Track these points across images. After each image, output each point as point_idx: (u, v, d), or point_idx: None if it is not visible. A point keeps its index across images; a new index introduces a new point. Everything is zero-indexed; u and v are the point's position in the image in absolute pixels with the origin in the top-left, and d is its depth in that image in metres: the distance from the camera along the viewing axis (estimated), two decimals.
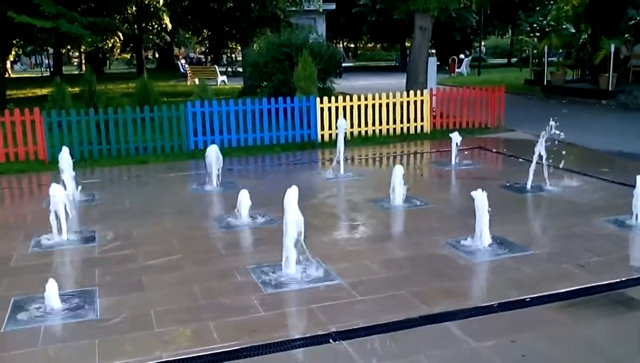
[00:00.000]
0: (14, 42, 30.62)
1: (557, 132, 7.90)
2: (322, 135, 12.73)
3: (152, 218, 7.43)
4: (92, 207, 8.07)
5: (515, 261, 5.63)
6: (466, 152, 11.19)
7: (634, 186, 6.57)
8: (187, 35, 48.12)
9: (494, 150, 11.46)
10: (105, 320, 4.60)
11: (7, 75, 24.94)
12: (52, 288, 4.74)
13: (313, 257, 5.54)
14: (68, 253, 6.20)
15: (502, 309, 4.65)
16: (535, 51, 27.45)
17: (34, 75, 48.74)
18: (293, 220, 5.08)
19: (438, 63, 19.14)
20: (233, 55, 51.69)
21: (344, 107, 12.87)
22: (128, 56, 58.11)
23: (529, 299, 4.77)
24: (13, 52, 46.44)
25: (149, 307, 4.80)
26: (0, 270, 5.75)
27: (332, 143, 12.59)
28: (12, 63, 55.82)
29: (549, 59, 24.77)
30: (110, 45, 50.50)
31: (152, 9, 40.86)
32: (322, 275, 5.34)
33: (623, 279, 5.10)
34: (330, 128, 12.75)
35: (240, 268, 5.58)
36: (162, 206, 8.09)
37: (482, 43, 46.32)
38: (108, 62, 60.53)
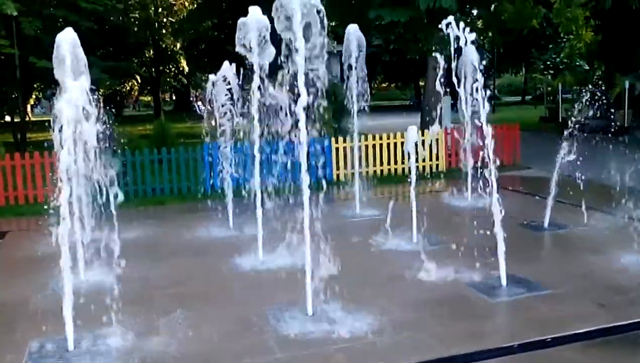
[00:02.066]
0: (35, 86, 31.24)
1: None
2: (338, 175, 12.77)
3: (169, 260, 7.45)
4: (109, 248, 8.09)
5: (534, 300, 5.57)
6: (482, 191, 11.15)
7: None
8: (203, 78, 48.85)
9: (510, 188, 11.40)
10: None
11: (27, 119, 25.39)
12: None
13: (329, 299, 5.52)
14: (85, 295, 6.20)
15: (521, 350, 4.58)
16: (549, 88, 27.56)
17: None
18: None
19: (452, 102, 19.22)
20: (249, 97, 52.24)
21: (359, 147, 12.92)
22: (147, 98, 58.95)
23: (549, 339, 4.70)
24: (33, 96, 47.25)
25: (165, 349, 4.79)
26: (18, 313, 5.78)
27: (347, 182, 12.61)
28: (32, 106, 56.77)
29: (564, 96, 24.83)
30: (128, 88, 51.38)
31: (169, 53, 41.64)
32: (340, 318, 5.30)
33: None
34: (345, 167, 12.80)
35: (257, 311, 5.56)
36: (179, 247, 8.11)
37: (496, 81, 46.53)
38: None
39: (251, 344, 4.86)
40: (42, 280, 6.66)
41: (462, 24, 6.14)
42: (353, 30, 9.40)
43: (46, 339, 5.01)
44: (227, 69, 8.72)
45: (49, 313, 5.70)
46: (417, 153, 7.96)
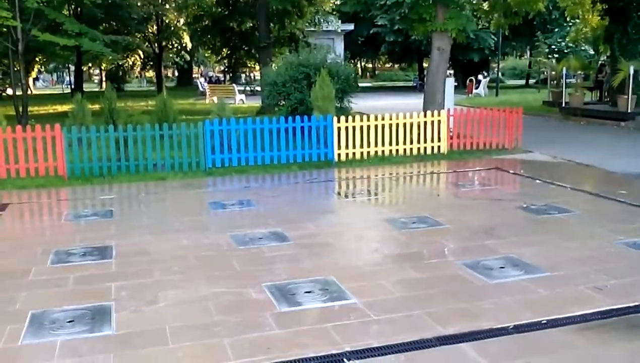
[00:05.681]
0: (37, 59, 31.13)
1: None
2: (339, 154, 12.76)
3: (169, 235, 7.48)
4: (109, 222, 8.14)
5: (531, 283, 5.59)
6: (483, 173, 11.19)
7: None
8: (206, 54, 48.71)
9: (511, 171, 11.41)
10: (120, 335, 4.63)
11: (29, 92, 25.33)
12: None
13: (328, 276, 5.54)
14: (85, 268, 6.25)
15: (517, 331, 4.61)
16: (553, 72, 27.42)
17: (55, 92, 49.46)
18: None
19: (456, 84, 19.15)
20: (251, 75, 52.18)
21: (361, 127, 12.91)
22: (149, 74, 58.85)
23: (545, 321, 4.73)
24: (35, 69, 47.18)
25: (164, 322, 4.83)
26: (18, 283, 5.82)
27: (349, 162, 12.63)
28: (34, 80, 56.74)
29: (568, 80, 24.70)
30: (130, 63, 51.23)
31: (172, 28, 41.49)
32: (338, 294, 5.34)
33: None
34: (347, 147, 12.79)
35: (255, 286, 5.59)
36: (179, 222, 8.14)
37: (500, 64, 46.31)
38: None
39: (248, 318, 4.88)
40: (42, 253, 6.70)
41: None
42: None
43: (47, 310, 5.05)
44: None
45: (50, 285, 5.75)
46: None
